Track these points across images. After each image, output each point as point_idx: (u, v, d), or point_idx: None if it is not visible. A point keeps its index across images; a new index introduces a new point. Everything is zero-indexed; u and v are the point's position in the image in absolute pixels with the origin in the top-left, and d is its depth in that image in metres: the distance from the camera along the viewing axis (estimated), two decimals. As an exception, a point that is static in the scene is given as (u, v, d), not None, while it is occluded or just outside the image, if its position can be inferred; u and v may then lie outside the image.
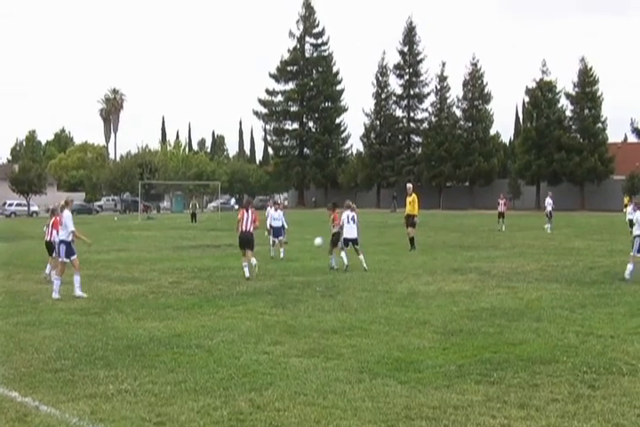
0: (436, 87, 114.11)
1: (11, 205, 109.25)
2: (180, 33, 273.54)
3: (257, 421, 8.42)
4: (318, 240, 25.42)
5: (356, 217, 24.40)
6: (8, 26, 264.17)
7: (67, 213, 20.05)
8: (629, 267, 20.34)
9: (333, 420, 8.39)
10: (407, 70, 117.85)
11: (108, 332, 14.07)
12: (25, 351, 12.39)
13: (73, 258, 19.76)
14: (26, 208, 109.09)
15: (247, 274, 22.11)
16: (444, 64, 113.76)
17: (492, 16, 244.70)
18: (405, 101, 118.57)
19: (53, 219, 21.91)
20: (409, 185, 32.51)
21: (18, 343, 13.13)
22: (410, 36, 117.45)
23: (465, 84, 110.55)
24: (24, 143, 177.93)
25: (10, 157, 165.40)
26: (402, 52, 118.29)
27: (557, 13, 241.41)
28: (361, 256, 23.78)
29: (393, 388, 9.67)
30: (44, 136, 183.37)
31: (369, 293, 18.66)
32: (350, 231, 23.92)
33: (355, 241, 24.04)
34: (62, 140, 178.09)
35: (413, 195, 31.22)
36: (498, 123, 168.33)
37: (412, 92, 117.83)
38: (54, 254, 20.93)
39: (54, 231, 21.41)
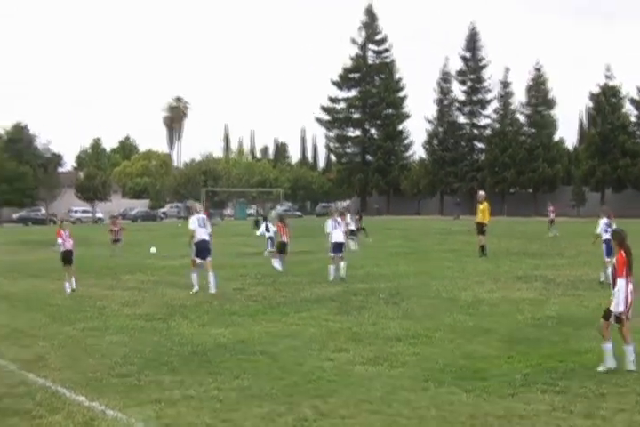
0: (499, 93, 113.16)
1: (76, 211, 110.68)
2: (243, 41, 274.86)
3: (321, 428, 8.42)
4: (153, 249, 25.41)
5: (342, 223, 24.39)
6: (72, 35, 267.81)
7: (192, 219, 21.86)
8: None
9: (398, 428, 8.36)
10: (470, 76, 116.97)
11: (173, 338, 14.16)
12: (92, 356, 12.53)
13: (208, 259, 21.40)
14: (91, 215, 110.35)
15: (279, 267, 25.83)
16: (507, 70, 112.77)
17: (553, 19, 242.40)
18: (468, 108, 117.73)
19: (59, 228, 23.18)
20: (481, 193, 32.31)
21: (85, 349, 13.28)
22: (472, 41, 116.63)
23: (528, 90, 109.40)
24: (89, 151, 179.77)
25: (75, 165, 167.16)
26: (464, 58, 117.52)
27: (620, 16, 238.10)
28: (342, 264, 23.74)
29: (458, 396, 9.61)
30: (109, 144, 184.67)
31: (433, 300, 18.56)
32: (338, 236, 23.75)
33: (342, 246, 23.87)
34: (127, 147, 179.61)
35: (485, 203, 31.06)
36: (562, 128, 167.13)
37: (474, 99, 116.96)
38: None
39: (70, 241, 22.76)
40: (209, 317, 16.70)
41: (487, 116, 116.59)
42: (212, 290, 20.92)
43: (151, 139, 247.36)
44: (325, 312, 16.93)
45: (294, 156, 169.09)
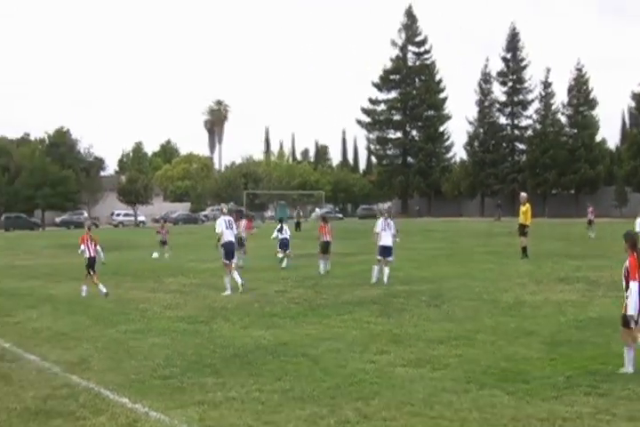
0: (540, 94, 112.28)
1: (118, 215, 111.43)
2: (284, 44, 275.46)
3: (364, 430, 8.41)
4: (155, 255, 25.34)
5: (392, 224, 24.01)
6: (114, 40, 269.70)
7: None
8: None
9: (440, 430, 8.34)
10: (511, 77, 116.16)
11: (215, 340, 14.22)
12: (134, 359, 12.60)
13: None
14: (133, 218, 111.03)
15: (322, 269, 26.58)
16: (548, 70, 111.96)
17: (594, 19, 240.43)
18: (509, 108, 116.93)
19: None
20: (523, 194, 32.17)
21: (127, 351, 13.36)
22: (513, 42, 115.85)
23: (570, 90, 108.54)
24: (131, 155, 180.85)
25: (117, 169, 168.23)
26: (505, 59, 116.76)
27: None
28: (385, 269, 23.39)
29: (500, 399, 9.56)
30: (151, 147, 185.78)
31: (474, 302, 18.47)
32: (386, 239, 23.50)
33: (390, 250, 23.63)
34: (168, 151, 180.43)
35: (527, 204, 30.94)
36: (604, 129, 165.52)
37: (515, 99, 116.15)
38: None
39: (94, 247, 22.77)
40: (250, 319, 16.75)
41: (528, 117, 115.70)
42: (241, 289, 21.76)
43: (192, 142, 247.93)
44: (367, 314, 16.91)
45: (335, 158, 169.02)
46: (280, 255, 31.19)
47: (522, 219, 30.84)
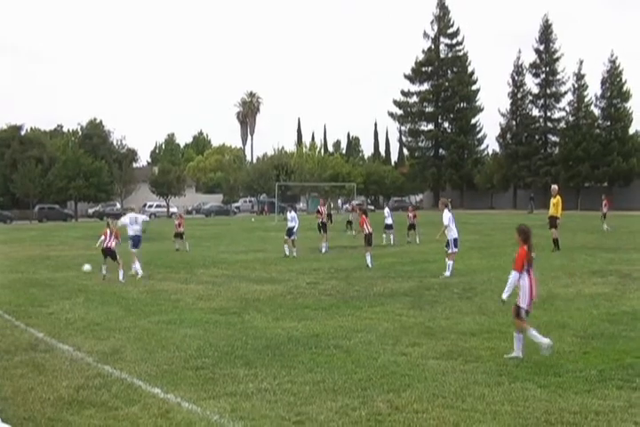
0: (573, 86, 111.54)
1: (150, 206, 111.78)
2: (315, 36, 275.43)
3: (395, 422, 8.40)
4: (87, 267, 26.03)
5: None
6: (146, 32, 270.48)
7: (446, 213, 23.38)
8: None
9: (472, 423, 8.31)
10: (543, 69, 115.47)
11: (248, 331, 14.24)
12: (166, 349, 12.64)
13: None
14: (165, 209, 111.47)
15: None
16: (581, 62, 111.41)
17: (627, 10, 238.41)
18: (542, 101, 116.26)
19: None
20: (554, 187, 32.09)
21: (160, 341, 13.40)
22: (546, 33, 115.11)
23: (603, 82, 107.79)
24: (163, 146, 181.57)
25: (150, 160, 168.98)
26: (538, 51, 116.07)
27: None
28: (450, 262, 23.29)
29: (532, 392, 9.52)
30: (183, 139, 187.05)
31: (507, 295, 18.36)
32: (456, 231, 23.41)
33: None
34: (200, 142, 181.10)
35: (557, 197, 30.87)
36: (637, 121, 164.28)
37: (548, 91, 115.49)
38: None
39: (115, 240, 24.36)
40: (282, 311, 16.76)
41: (561, 109, 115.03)
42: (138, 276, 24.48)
43: (224, 134, 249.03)
44: (399, 307, 16.88)
45: (367, 150, 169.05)
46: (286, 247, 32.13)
47: (552, 211, 30.81)
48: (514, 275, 11.47)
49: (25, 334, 14.56)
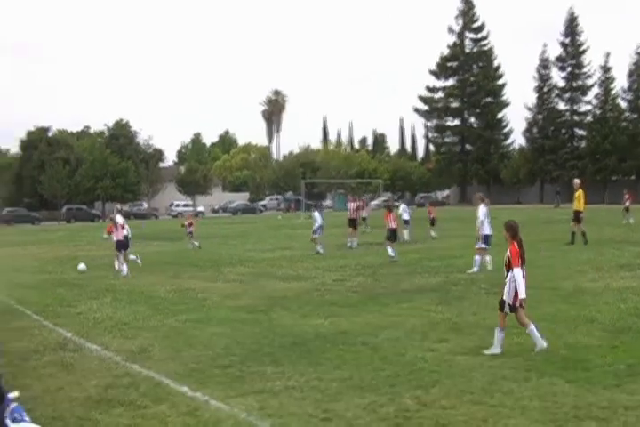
0: (599, 79, 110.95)
1: (177, 205, 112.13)
2: (340, 33, 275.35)
3: (423, 418, 8.37)
4: (82, 266, 27.16)
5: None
6: (171, 32, 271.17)
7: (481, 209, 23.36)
8: None
9: (500, 419, 8.26)
10: (569, 62, 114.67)
11: (275, 329, 14.25)
12: (194, 348, 12.67)
13: None
14: (192, 209, 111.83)
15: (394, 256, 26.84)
16: (607, 55, 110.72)
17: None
18: (568, 94, 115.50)
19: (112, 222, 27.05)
20: (576, 181, 32.14)
21: (187, 340, 13.44)
22: (571, 26, 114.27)
23: (630, 75, 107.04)
24: (189, 146, 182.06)
25: (176, 160, 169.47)
26: (563, 44, 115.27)
27: None
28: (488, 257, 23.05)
29: (561, 387, 9.46)
30: (209, 138, 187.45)
31: (534, 290, 18.19)
32: (490, 227, 23.26)
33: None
34: (226, 141, 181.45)
35: (579, 191, 30.82)
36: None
37: (574, 85, 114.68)
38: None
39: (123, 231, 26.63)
40: (309, 308, 16.76)
41: (588, 103, 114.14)
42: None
43: (250, 132, 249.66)
44: (426, 302, 16.83)
45: (393, 146, 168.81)
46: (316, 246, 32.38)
47: (575, 205, 30.79)
48: (516, 272, 11.58)
49: (53, 334, 14.65)
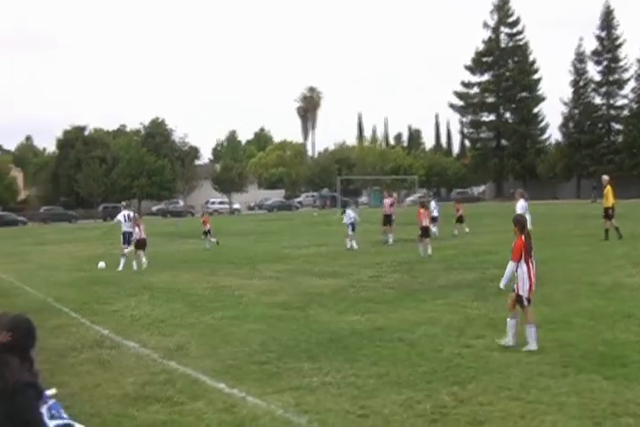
0: (636, 72, 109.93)
1: (213, 203, 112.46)
2: (374, 29, 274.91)
3: (460, 415, 8.34)
4: (101, 264, 28.41)
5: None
6: (205, 30, 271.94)
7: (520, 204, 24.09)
8: None
9: (538, 415, 8.22)
10: (605, 56, 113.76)
11: (311, 325, 14.25)
12: (231, 344, 12.70)
13: None
14: (228, 206, 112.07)
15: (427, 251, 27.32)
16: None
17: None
18: (604, 88, 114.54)
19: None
20: (604, 177, 32.13)
21: (224, 337, 13.47)
22: (607, 20, 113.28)
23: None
24: (225, 143, 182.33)
25: (212, 157, 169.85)
26: (599, 38, 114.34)
27: None
28: None
29: (598, 383, 9.39)
30: (244, 136, 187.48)
31: (571, 285, 18.17)
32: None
33: None
34: (262, 138, 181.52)
35: (608, 187, 30.83)
36: None
37: (610, 79, 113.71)
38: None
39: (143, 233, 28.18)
40: (346, 304, 16.75)
41: (624, 97, 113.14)
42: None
43: (285, 129, 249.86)
44: (462, 299, 16.77)
45: (428, 142, 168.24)
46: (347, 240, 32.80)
47: (604, 202, 30.81)
48: (511, 264, 11.86)
49: (91, 332, 14.74)
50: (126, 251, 28.12)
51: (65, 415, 6.48)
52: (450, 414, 8.40)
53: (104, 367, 11.43)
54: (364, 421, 8.33)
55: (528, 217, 22.90)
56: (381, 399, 9.04)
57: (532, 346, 11.47)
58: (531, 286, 11.74)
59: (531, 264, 11.84)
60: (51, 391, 6.72)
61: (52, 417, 6.19)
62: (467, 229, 39.12)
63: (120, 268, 27.29)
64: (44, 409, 6.09)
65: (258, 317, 15.55)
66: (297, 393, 9.47)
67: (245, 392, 9.60)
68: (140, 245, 28.21)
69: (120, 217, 29.51)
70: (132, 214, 29.69)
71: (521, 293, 11.72)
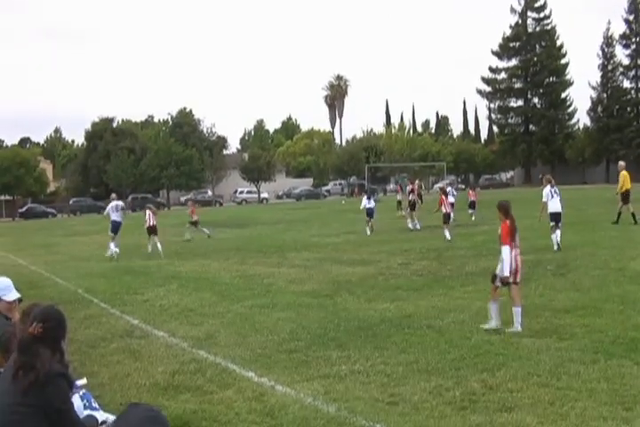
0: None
1: (242, 192, 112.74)
2: (400, 16, 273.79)
3: (489, 402, 8.32)
4: (115, 249, 29.43)
5: (558, 191, 23.86)
6: (233, 20, 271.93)
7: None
8: None
9: (568, 401, 8.18)
10: (634, 39, 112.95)
11: (340, 313, 14.25)
12: (260, 333, 12.72)
13: None
14: (256, 195, 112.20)
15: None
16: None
17: None
18: (633, 72, 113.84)
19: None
20: (620, 163, 32.51)
21: (253, 325, 13.50)
22: (635, 3, 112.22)
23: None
24: (252, 132, 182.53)
25: (239, 147, 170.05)
26: (627, 21, 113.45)
27: None
28: (557, 232, 23.16)
29: (629, 369, 9.33)
30: (272, 125, 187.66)
31: (601, 271, 18.07)
32: (555, 205, 23.46)
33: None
34: (289, 127, 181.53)
35: (623, 172, 31.03)
36: None
37: (639, 62, 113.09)
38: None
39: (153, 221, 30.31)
40: (374, 292, 16.74)
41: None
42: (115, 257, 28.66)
43: (313, 118, 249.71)
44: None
45: (456, 128, 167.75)
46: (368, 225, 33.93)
47: (619, 187, 30.97)
48: (505, 249, 12.11)
49: (121, 321, 14.80)
50: (112, 241, 30.02)
51: (95, 405, 6.56)
52: (479, 401, 8.38)
53: (134, 357, 11.48)
54: (394, 408, 8.31)
55: (558, 202, 23.05)
56: (410, 387, 9.04)
57: (517, 328, 11.75)
58: (516, 268, 12.11)
59: (515, 247, 12.17)
60: (81, 381, 6.80)
61: (83, 407, 6.27)
62: (473, 218, 39.18)
63: (107, 253, 29.35)
64: (75, 398, 6.16)
65: (286, 305, 15.57)
66: (326, 381, 9.48)
67: (274, 381, 9.61)
68: (151, 231, 30.32)
69: (108, 208, 31.95)
70: (120, 205, 31.92)
71: (497, 273, 12.27)
